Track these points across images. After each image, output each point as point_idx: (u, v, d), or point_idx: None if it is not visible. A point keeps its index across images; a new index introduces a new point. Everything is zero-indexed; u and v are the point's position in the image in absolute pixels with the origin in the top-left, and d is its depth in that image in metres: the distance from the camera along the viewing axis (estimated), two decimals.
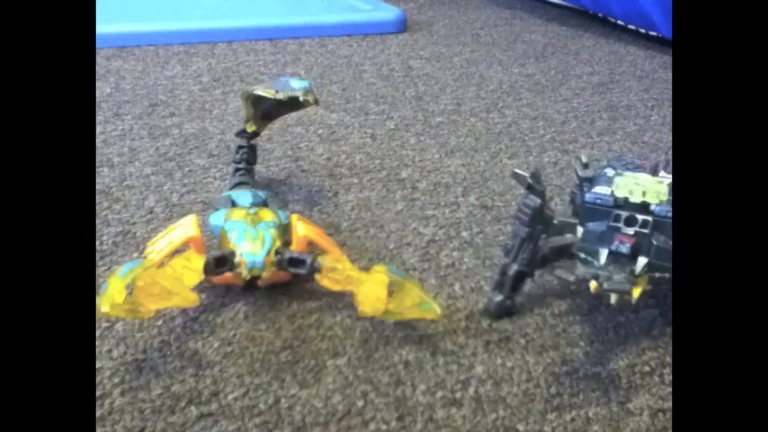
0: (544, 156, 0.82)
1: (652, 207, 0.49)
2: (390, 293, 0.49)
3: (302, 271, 0.53)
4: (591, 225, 0.51)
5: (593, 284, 0.48)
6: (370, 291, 0.49)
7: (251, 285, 0.55)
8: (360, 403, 0.45)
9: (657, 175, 0.53)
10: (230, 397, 0.46)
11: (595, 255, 0.50)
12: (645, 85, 1.08)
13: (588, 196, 0.51)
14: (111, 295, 0.45)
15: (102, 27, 1.21)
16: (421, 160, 0.80)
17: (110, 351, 0.49)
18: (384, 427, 0.44)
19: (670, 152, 0.83)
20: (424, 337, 0.51)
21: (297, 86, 0.64)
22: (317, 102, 0.64)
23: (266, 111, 0.67)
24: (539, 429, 0.44)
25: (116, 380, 0.47)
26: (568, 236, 0.53)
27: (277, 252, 0.53)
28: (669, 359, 0.50)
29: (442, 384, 0.47)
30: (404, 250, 0.62)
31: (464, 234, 0.65)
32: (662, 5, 1.19)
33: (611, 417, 0.45)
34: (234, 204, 0.59)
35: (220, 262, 0.53)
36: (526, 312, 0.54)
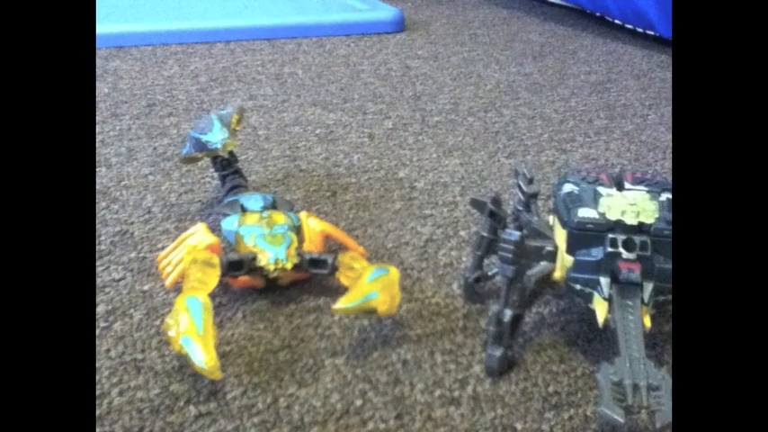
0: (542, 155, 0.82)
1: (646, 227, 0.46)
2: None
3: (324, 271, 0.54)
4: (581, 253, 0.47)
5: (600, 318, 0.46)
6: (390, 287, 0.50)
7: (272, 285, 0.55)
8: (358, 402, 0.45)
9: (624, 188, 0.51)
10: (228, 396, 0.46)
11: (594, 285, 0.47)
12: (642, 84, 1.08)
13: (577, 221, 0.47)
14: (212, 357, 0.44)
15: (100, 27, 1.21)
16: (419, 160, 0.80)
17: (108, 351, 0.49)
18: (382, 425, 0.44)
19: (669, 151, 0.83)
20: (423, 336, 0.51)
21: (210, 139, 0.65)
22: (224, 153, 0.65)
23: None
24: (537, 428, 0.44)
25: (114, 379, 0.47)
26: (543, 263, 0.49)
27: (298, 254, 0.54)
28: (667, 357, 0.50)
29: (440, 383, 0.47)
30: (402, 249, 0.62)
31: (462, 233, 0.65)
32: (659, 5, 1.19)
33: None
34: (244, 209, 0.59)
35: (236, 265, 0.53)
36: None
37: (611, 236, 0.46)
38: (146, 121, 0.90)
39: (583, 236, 0.47)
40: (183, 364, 0.48)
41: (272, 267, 0.53)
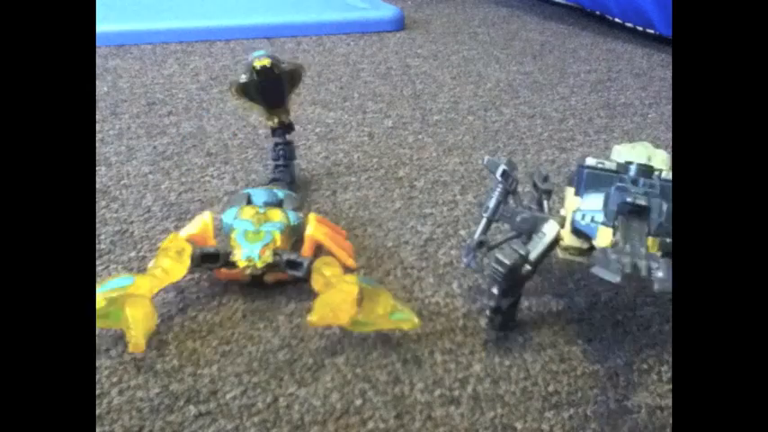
0: (542, 154, 0.82)
1: (656, 173, 0.48)
2: (359, 303, 0.49)
3: (299, 273, 0.54)
4: (590, 191, 0.49)
5: (602, 243, 0.46)
6: (331, 299, 0.49)
7: (258, 282, 0.55)
8: (358, 402, 0.45)
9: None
10: (228, 396, 0.46)
11: (600, 217, 0.47)
12: (642, 82, 1.08)
13: (588, 161, 0.49)
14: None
15: (100, 26, 1.21)
16: (419, 158, 0.80)
17: (108, 350, 0.49)
18: (382, 425, 0.44)
19: (669, 150, 0.83)
20: (423, 335, 0.51)
21: (251, 57, 0.67)
22: (271, 65, 0.66)
23: (263, 95, 0.67)
24: (537, 427, 0.44)
25: (114, 379, 0.47)
26: (544, 230, 0.49)
27: (276, 253, 0.54)
28: (667, 356, 0.50)
29: (440, 383, 0.47)
30: (402, 248, 0.62)
31: (462, 232, 0.65)
32: (659, 3, 1.19)
33: (609, 414, 0.45)
34: (249, 202, 0.60)
35: (209, 258, 0.53)
36: (524, 310, 0.54)
37: (620, 175, 0.48)
38: (145, 119, 0.89)
39: (593, 175, 0.49)
40: (184, 364, 0.48)
41: (242, 264, 0.53)
